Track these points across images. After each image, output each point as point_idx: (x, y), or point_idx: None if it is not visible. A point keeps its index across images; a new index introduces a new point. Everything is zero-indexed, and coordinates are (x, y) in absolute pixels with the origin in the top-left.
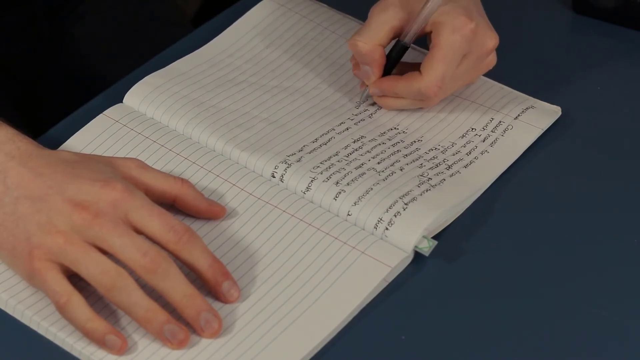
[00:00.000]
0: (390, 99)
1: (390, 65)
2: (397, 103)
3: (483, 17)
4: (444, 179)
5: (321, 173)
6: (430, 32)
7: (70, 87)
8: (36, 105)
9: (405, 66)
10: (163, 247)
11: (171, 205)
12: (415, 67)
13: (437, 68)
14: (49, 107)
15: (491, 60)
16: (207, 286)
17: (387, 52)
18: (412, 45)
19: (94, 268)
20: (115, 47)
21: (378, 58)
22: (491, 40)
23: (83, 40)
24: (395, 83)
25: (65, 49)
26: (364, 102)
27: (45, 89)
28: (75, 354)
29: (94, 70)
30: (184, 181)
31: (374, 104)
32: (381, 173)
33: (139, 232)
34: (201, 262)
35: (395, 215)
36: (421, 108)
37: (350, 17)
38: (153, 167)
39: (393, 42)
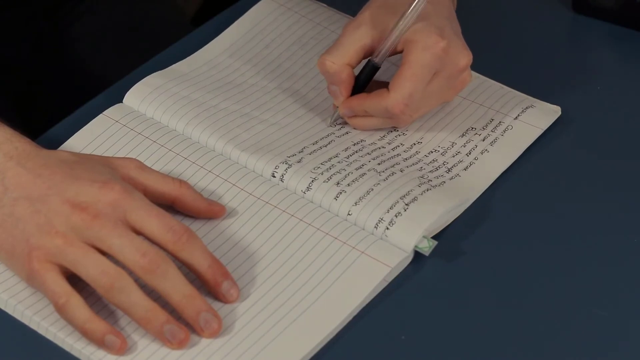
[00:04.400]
0: (361, 119)
1: (361, 85)
2: (368, 122)
3: (457, 35)
4: (444, 182)
5: (322, 174)
6: (402, 50)
7: (70, 86)
8: (36, 105)
9: (377, 85)
10: (162, 247)
11: (169, 206)
12: (386, 85)
13: (404, 86)
14: (49, 107)
15: (465, 77)
16: (206, 286)
17: (359, 72)
18: None
19: (93, 269)
20: (115, 47)
21: (346, 78)
22: (464, 58)
23: (82, 39)
24: (363, 101)
25: (65, 49)
26: (334, 122)
27: (44, 88)
28: (75, 353)
29: (94, 70)
30: (182, 182)
31: (345, 124)
32: (382, 173)
33: (137, 232)
34: (200, 262)
35: (396, 216)
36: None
37: (350, 16)
38: (152, 167)
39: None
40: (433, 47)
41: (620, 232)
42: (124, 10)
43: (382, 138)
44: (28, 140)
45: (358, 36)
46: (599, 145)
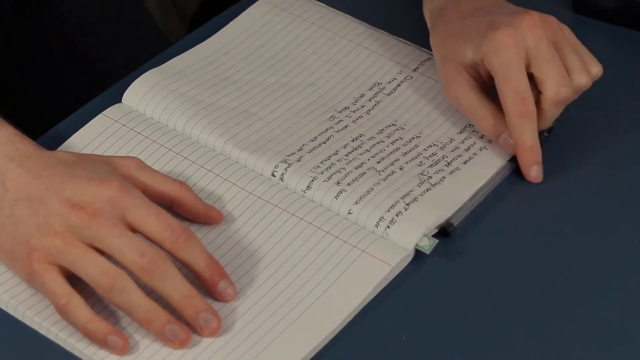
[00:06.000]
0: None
1: None
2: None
3: None
4: (444, 177)
5: (322, 173)
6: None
7: (69, 87)
8: (33, 108)
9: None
10: (160, 246)
11: (168, 207)
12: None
13: None
14: (48, 108)
15: None
16: (203, 285)
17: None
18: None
19: (93, 269)
20: (114, 48)
21: None
22: None
23: (80, 40)
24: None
25: (60, 54)
26: None
27: (42, 90)
28: (76, 354)
29: (93, 71)
30: (182, 184)
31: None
32: (381, 172)
33: (135, 230)
34: (198, 262)
35: (397, 215)
36: (420, 103)
37: (344, 14)
38: (153, 167)
39: None
40: None
41: (620, 232)
42: (123, 11)
43: (380, 132)
44: (29, 140)
45: None
46: (599, 145)
